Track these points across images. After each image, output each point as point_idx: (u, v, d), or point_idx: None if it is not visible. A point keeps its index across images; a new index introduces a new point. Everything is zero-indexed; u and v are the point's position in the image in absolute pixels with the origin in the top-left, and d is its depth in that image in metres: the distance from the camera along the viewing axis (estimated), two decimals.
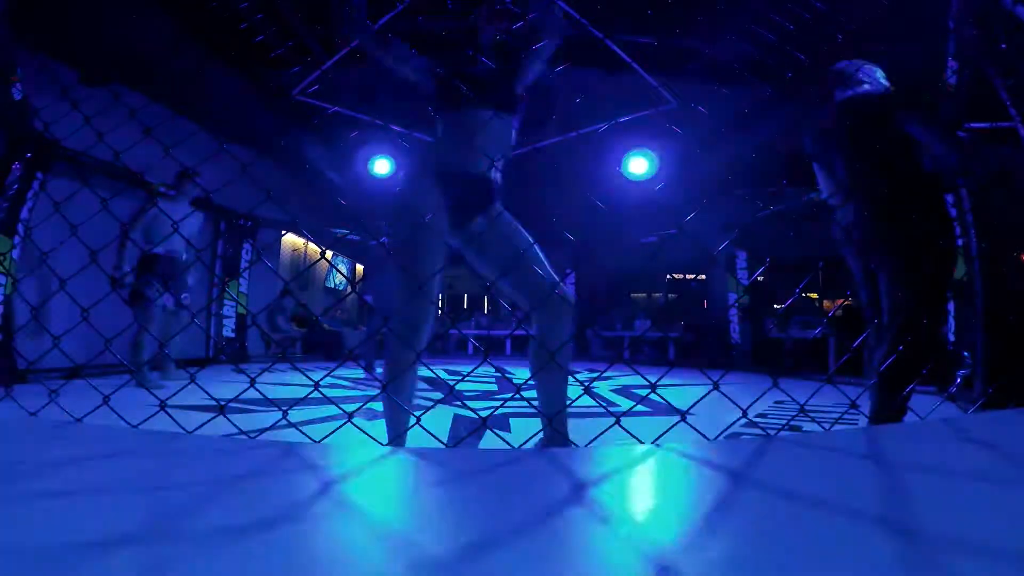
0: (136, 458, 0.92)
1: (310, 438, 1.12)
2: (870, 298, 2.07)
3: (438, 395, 3.75)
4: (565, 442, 1.39)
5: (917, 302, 1.84)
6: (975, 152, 1.89)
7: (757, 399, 1.34)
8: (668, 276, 10.28)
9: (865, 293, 2.10)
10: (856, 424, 2.13)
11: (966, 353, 3.13)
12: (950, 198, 3.13)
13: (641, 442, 1.04)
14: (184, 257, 3.81)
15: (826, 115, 2.16)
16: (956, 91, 2.93)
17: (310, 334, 7.54)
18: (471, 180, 1.57)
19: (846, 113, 2.08)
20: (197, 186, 3.71)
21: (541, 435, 1.48)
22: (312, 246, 8.78)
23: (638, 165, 6.05)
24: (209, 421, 1.27)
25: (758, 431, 2.24)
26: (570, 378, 1.46)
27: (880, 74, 2.15)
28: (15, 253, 3.47)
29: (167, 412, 1.20)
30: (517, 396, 1.23)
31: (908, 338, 1.79)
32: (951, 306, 3.46)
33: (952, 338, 3.43)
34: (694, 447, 1.00)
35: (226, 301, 6.21)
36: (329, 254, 9.27)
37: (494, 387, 4.52)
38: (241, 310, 6.24)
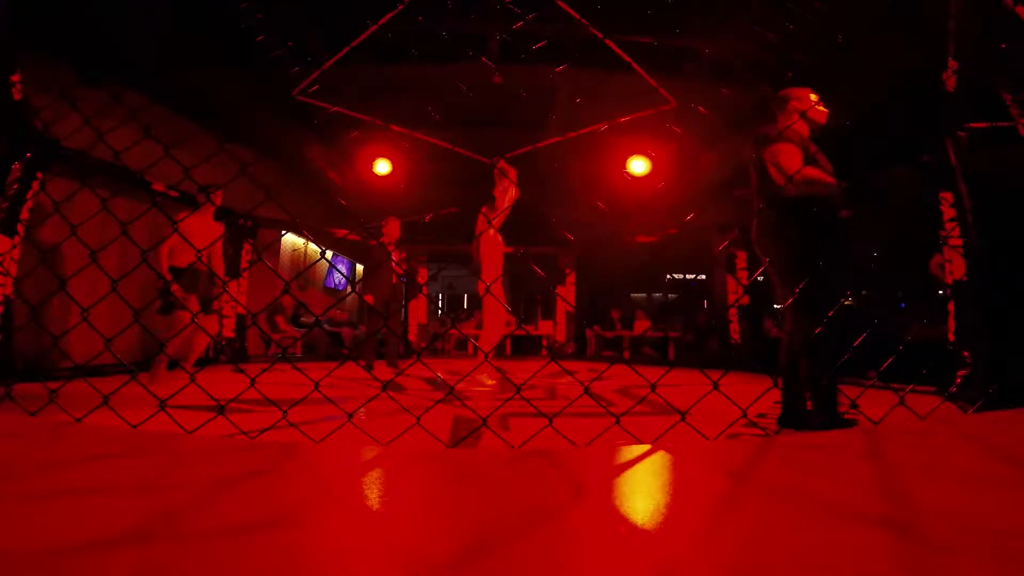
0: (136, 458, 0.92)
1: (310, 438, 1.12)
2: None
3: (438, 395, 3.75)
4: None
5: (793, 311, 2.03)
6: (778, 187, 2.10)
7: (757, 399, 1.34)
8: (668, 276, 10.27)
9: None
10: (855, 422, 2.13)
11: (966, 353, 3.13)
12: (950, 198, 3.12)
13: (641, 442, 1.04)
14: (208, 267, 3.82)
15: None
16: (956, 91, 2.93)
17: (310, 334, 7.54)
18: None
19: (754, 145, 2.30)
20: (212, 198, 3.68)
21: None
22: (312, 246, 8.77)
23: (638, 165, 6.06)
24: (209, 421, 1.27)
25: (758, 431, 2.23)
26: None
27: (805, 100, 2.24)
28: (15, 253, 3.46)
29: (167, 412, 1.20)
30: (517, 396, 1.23)
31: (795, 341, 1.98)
32: (950, 306, 3.46)
33: (952, 338, 3.43)
34: (694, 447, 1.00)
35: (226, 301, 6.21)
36: (329, 254, 9.27)
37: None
38: (240, 310, 6.24)
